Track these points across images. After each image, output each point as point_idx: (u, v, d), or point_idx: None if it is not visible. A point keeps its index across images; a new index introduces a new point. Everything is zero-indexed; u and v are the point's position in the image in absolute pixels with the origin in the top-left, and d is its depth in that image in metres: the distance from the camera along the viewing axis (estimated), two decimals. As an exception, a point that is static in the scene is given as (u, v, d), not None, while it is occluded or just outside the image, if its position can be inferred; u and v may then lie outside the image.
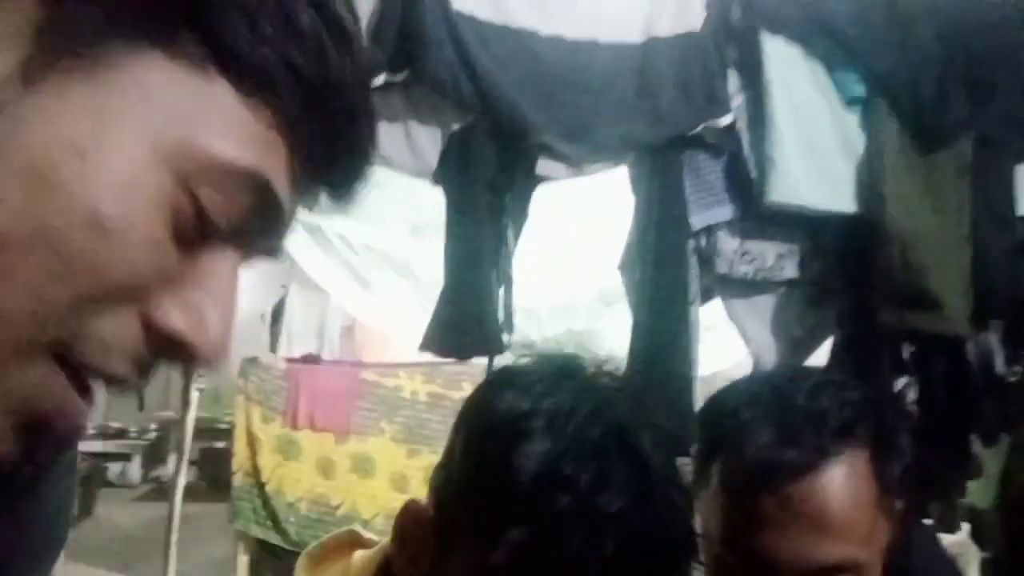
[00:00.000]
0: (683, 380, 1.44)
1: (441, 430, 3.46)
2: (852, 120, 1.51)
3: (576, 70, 1.39)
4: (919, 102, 1.48)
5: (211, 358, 0.29)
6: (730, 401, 0.69)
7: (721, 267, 1.49)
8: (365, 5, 1.36)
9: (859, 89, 1.51)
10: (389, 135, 1.40)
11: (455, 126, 1.41)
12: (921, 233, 1.46)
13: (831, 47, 1.49)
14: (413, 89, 1.40)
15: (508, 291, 1.38)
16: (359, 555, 0.73)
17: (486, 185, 1.39)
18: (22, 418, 0.27)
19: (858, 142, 1.50)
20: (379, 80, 1.37)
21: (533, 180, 1.42)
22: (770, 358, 1.54)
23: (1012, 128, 1.51)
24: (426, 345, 1.39)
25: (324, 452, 3.31)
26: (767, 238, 1.52)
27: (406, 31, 1.36)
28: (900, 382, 1.46)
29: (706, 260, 1.49)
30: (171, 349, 0.29)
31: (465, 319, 1.34)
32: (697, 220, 1.47)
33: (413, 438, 3.37)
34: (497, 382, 0.56)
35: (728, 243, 1.50)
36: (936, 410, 1.45)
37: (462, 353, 1.42)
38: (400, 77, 1.38)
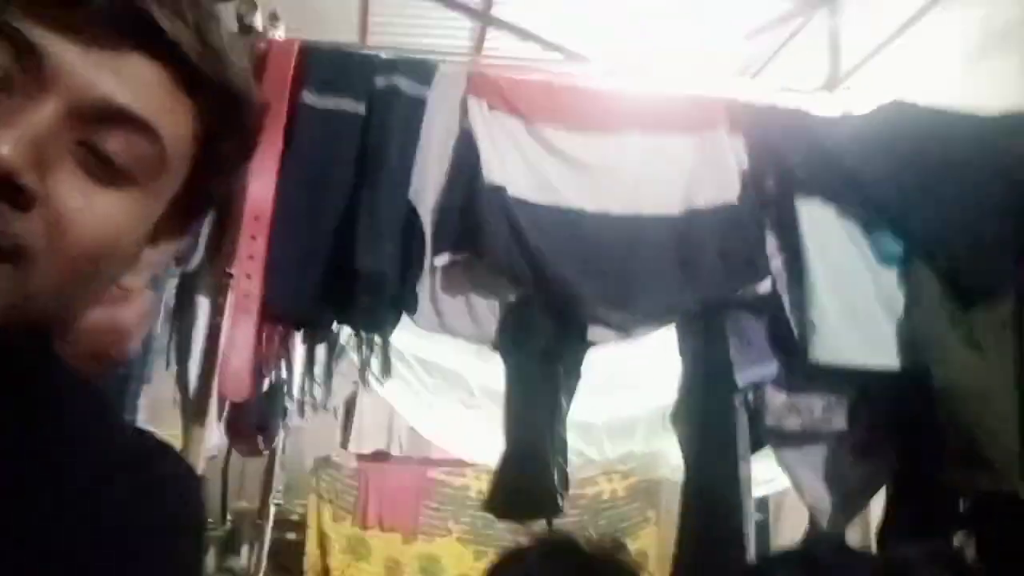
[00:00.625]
0: (736, 535, 1.49)
1: (507, 531, 3.51)
2: (890, 277, 1.57)
3: (621, 243, 1.51)
4: (954, 260, 1.54)
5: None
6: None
7: (770, 420, 1.56)
8: (430, 197, 1.52)
9: (895, 248, 1.57)
10: (452, 307, 1.54)
11: (511, 298, 1.54)
12: (967, 388, 1.49)
13: (865, 208, 1.57)
14: (474, 266, 1.53)
15: (563, 455, 1.48)
16: None
17: (541, 354, 1.50)
18: None
19: (897, 299, 1.56)
20: (444, 260, 1.52)
21: (584, 346, 1.53)
22: (825, 508, 1.58)
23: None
24: (489, 508, 1.48)
25: (392, 553, 3.40)
26: (814, 391, 1.58)
27: (467, 217, 1.51)
28: (958, 536, 1.48)
29: (755, 415, 1.56)
30: None
31: (524, 484, 1.44)
32: (742, 378, 1.54)
33: (480, 539, 3.43)
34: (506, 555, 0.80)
35: (776, 397, 1.57)
36: (996, 563, 1.46)
37: (522, 518, 1.52)
38: (461, 257, 1.52)
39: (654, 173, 1.58)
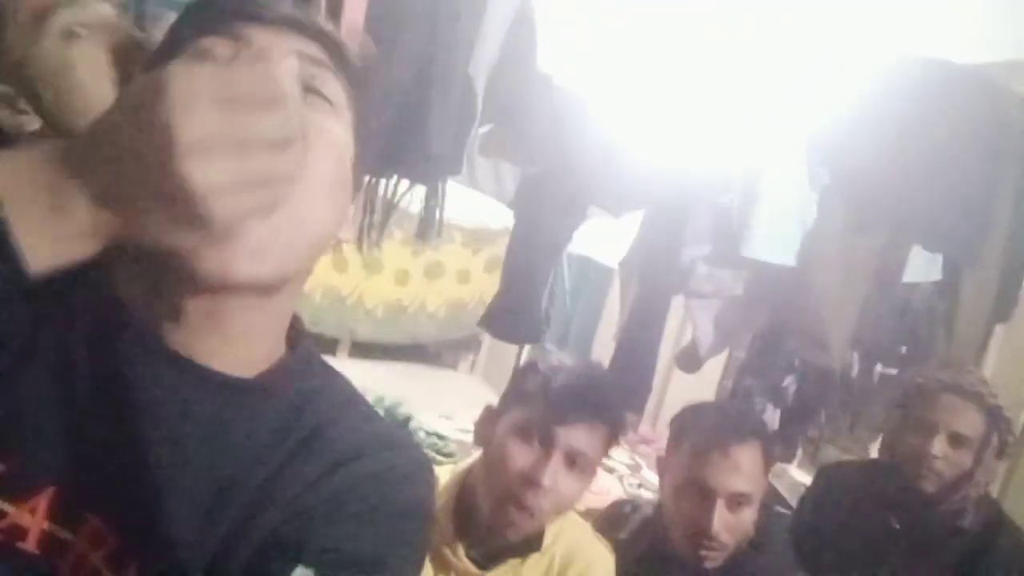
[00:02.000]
0: (652, 351, 2.14)
1: (444, 234, 4.05)
2: (812, 199, 2.05)
3: (627, 154, 1.86)
4: (860, 197, 2.03)
5: None
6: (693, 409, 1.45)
7: (692, 285, 2.12)
8: (484, 72, 1.74)
9: (825, 178, 2.03)
10: (483, 167, 1.87)
11: (533, 169, 1.89)
12: (831, 290, 2.10)
13: (815, 148, 1.98)
14: (508, 136, 1.84)
15: (551, 299, 1.98)
16: (445, 470, 1.36)
17: (548, 216, 1.91)
18: None
19: (810, 216, 2.06)
20: (486, 129, 1.80)
21: (582, 217, 1.95)
22: (707, 342, 2.24)
23: (918, 220, 2.09)
24: (482, 324, 2.00)
25: (338, 252, 3.89)
26: (729, 267, 2.13)
27: (513, 97, 1.77)
28: (788, 379, 2.21)
29: (683, 278, 2.11)
30: None
31: (514, 311, 1.95)
32: (685, 252, 2.06)
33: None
34: None
35: (702, 269, 2.11)
36: (804, 397, 2.23)
37: (511, 339, 2.05)
38: (500, 127, 1.82)
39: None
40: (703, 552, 1.30)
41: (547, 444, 1.13)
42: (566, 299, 3.16)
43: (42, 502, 0.51)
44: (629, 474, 3.28)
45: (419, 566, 0.60)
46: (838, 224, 2.07)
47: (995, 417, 1.63)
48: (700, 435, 1.34)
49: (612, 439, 1.20)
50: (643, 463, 3.33)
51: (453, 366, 4.48)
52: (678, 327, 2.55)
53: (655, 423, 3.27)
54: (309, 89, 0.56)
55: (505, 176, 1.93)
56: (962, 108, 2.04)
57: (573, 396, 1.14)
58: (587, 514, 1.48)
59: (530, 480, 1.11)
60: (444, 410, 3.09)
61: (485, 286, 4.13)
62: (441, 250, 4.06)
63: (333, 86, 0.58)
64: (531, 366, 1.24)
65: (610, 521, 1.56)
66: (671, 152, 1.87)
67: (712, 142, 1.87)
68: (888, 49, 1.98)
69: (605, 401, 1.18)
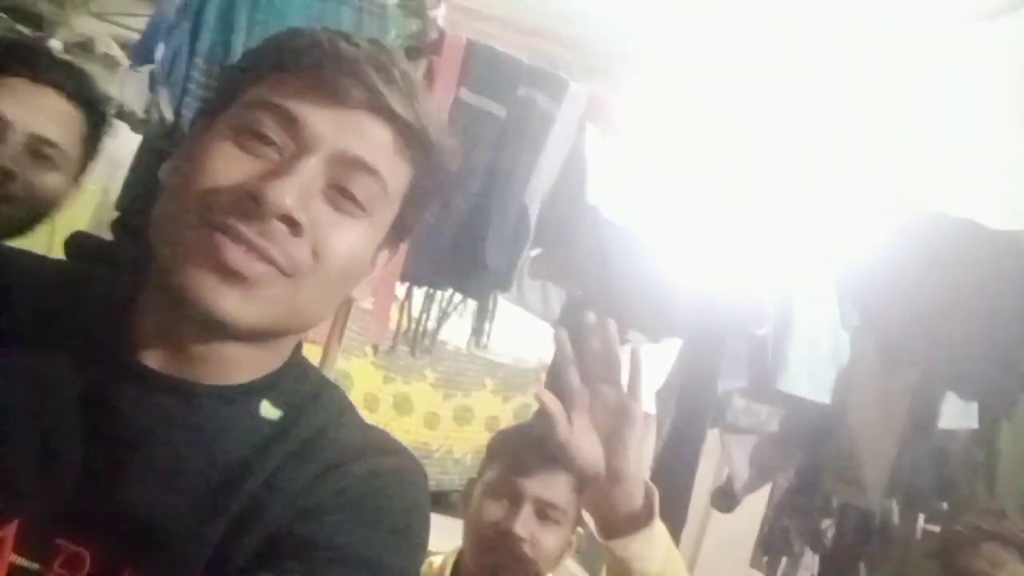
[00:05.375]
0: (686, 487, 2.13)
1: (475, 379, 4.05)
2: (845, 339, 2.13)
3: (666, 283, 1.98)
4: (891, 340, 2.10)
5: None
6: None
7: (729, 418, 2.15)
8: (538, 201, 1.91)
9: (856, 319, 2.12)
10: (531, 287, 2.00)
11: (578, 292, 2.01)
12: (867, 430, 2.11)
13: (845, 287, 2.09)
14: (557, 261, 1.98)
15: None
16: (439, 557, 1.35)
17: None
18: None
19: (844, 356, 2.13)
20: (537, 252, 1.95)
21: (622, 340, 2.03)
22: (743, 478, 2.23)
23: (950, 367, 2.14)
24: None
25: (372, 390, 3.91)
26: (765, 402, 2.17)
27: (563, 225, 1.92)
28: (827, 522, 2.17)
29: (720, 412, 2.15)
30: None
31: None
32: (721, 384, 2.11)
33: (450, 384, 4.01)
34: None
35: (738, 402, 2.16)
36: (843, 541, 2.18)
37: None
38: (550, 252, 1.96)
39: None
40: None
41: (515, 499, 1.16)
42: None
43: (7, 536, 0.52)
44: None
45: (417, 567, 0.61)
46: (870, 364, 2.12)
47: None
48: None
49: (581, 485, 1.17)
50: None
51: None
52: (714, 467, 2.53)
53: (693, 568, 3.13)
54: (334, 193, 0.58)
55: (552, 298, 2.04)
56: (990, 266, 2.16)
57: (532, 447, 1.16)
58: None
59: (503, 532, 1.15)
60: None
61: (511, 434, 4.13)
62: (472, 396, 4.11)
63: (368, 187, 0.59)
64: (501, 431, 1.30)
65: None
66: (709, 281, 1.98)
67: (748, 274, 1.98)
68: (918, 204, 2.13)
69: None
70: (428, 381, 4.04)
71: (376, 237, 0.61)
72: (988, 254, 2.13)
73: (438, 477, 4.17)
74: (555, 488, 1.17)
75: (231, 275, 0.53)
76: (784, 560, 2.20)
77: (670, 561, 0.99)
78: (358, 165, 0.57)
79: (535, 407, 1.03)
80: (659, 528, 0.99)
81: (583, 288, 2.00)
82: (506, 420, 4.24)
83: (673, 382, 2.19)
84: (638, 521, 0.97)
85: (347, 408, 0.67)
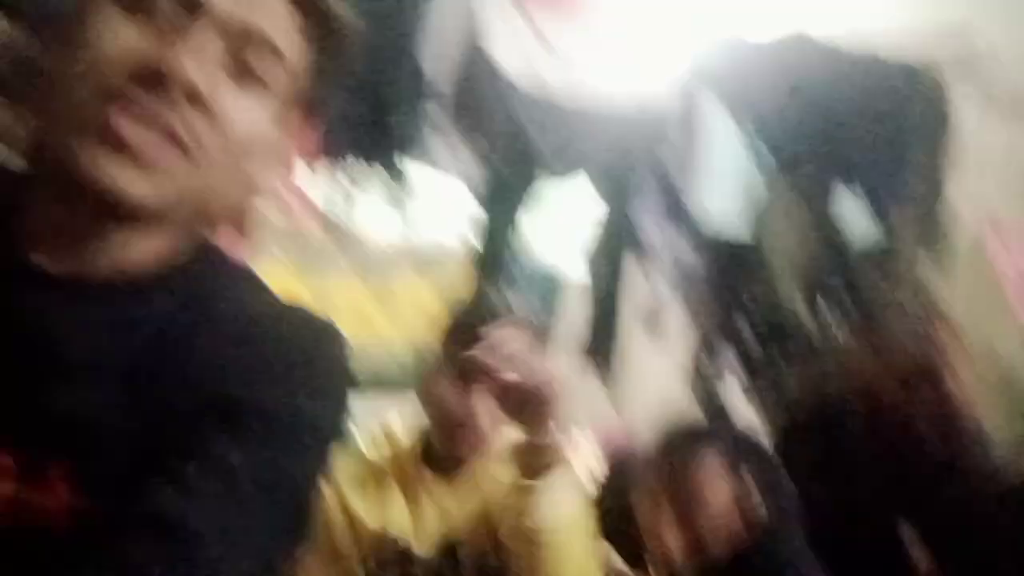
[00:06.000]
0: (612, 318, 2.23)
1: None
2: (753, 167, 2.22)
3: (572, 124, 2.00)
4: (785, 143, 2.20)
5: None
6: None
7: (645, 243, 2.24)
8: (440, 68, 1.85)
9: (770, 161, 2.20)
10: (437, 146, 1.97)
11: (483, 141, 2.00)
12: (775, 235, 2.24)
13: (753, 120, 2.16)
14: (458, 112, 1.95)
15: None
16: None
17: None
18: None
19: (750, 171, 2.22)
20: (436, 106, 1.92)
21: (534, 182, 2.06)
22: (666, 300, 2.34)
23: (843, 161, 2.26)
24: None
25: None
26: (677, 222, 2.26)
27: (467, 91, 1.89)
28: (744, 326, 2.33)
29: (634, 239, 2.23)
30: None
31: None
32: (633, 214, 2.18)
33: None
34: None
35: (651, 226, 2.23)
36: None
37: None
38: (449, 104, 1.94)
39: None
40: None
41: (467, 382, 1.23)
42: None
43: None
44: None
45: (341, 417, 0.61)
46: (773, 177, 2.23)
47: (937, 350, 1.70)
48: (662, 454, 1.44)
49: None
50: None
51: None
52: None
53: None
54: (232, 64, 0.56)
55: (461, 152, 2.02)
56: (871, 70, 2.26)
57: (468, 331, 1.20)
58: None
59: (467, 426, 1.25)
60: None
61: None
62: (396, 283, 4.08)
63: (266, 60, 0.57)
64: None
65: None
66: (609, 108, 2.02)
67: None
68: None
69: None
70: (346, 273, 3.97)
71: (276, 114, 0.59)
72: (871, 66, 2.25)
73: (375, 372, 4.20)
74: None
75: (127, 149, 0.51)
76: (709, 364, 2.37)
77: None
78: (254, 37, 0.55)
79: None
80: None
81: (488, 137, 1.99)
82: (436, 305, 4.26)
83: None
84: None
85: (256, 285, 0.65)
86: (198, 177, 0.54)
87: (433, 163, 1.97)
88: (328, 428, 0.60)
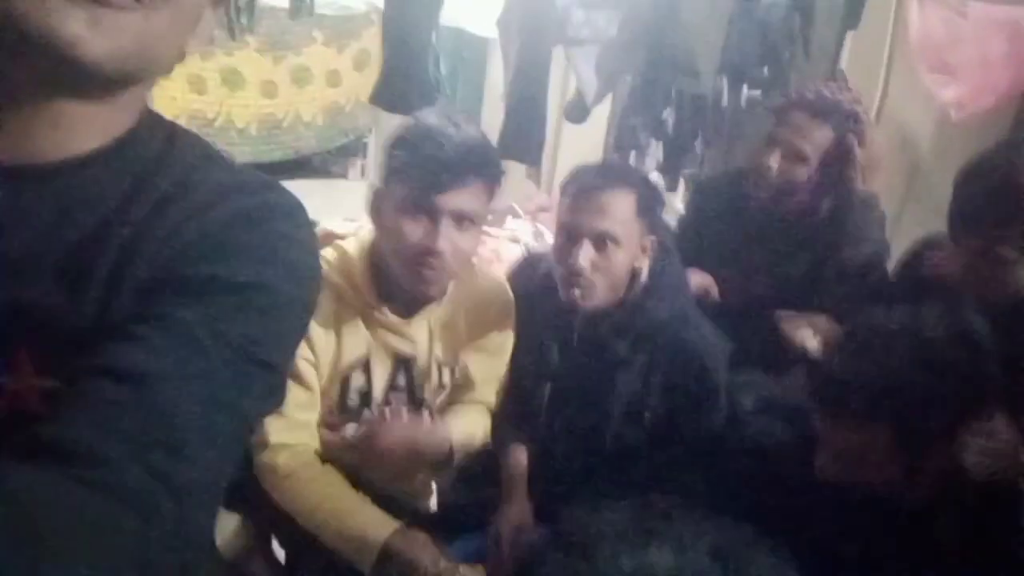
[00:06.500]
0: (540, 105, 2.21)
1: (303, 34, 3.80)
2: None
3: None
4: None
5: None
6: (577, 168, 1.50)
7: (570, 32, 2.15)
8: None
9: None
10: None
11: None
12: (697, 18, 2.18)
13: None
14: None
15: (436, 63, 1.97)
16: (351, 242, 1.43)
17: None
18: None
19: None
20: None
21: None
22: (591, 88, 2.32)
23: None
24: (375, 100, 1.98)
25: (193, 70, 3.60)
26: (602, 8, 2.17)
27: None
28: (667, 111, 2.35)
29: (560, 28, 2.14)
30: None
31: (407, 80, 1.94)
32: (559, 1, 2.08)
33: (277, 46, 3.74)
34: None
35: (577, 14, 2.14)
36: (682, 126, 2.39)
37: (405, 108, 2.04)
38: None
39: None
40: (574, 291, 1.37)
41: (432, 214, 1.18)
42: (446, 77, 3.13)
43: None
44: (533, 243, 3.47)
45: (305, 295, 0.62)
46: None
47: (844, 122, 1.74)
48: (575, 185, 1.40)
49: (492, 190, 1.25)
50: (545, 230, 3.51)
51: (343, 175, 4.41)
52: (561, 82, 2.61)
53: (551, 190, 3.43)
54: None
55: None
56: None
57: (445, 164, 1.16)
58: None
59: (427, 249, 1.18)
60: (346, 215, 3.12)
61: (357, 84, 4.00)
62: (304, 53, 3.85)
63: None
64: (399, 140, 1.23)
65: (517, 274, 1.63)
66: None
67: None
68: None
69: (479, 161, 1.20)
70: (252, 48, 3.71)
71: None
72: None
73: (293, 144, 4.10)
74: (467, 198, 1.19)
75: None
76: (633, 153, 2.41)
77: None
78: None
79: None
80: None
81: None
82: (347, 72, 4.07)
83: (512, 7, 2.13)
84: None
85: (208, 154, 0.64)
86: (147, 31, 0.53)
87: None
88: (294, 297, 0.60)
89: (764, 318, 1.67)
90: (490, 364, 1.42)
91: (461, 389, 1.41)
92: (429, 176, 1.16)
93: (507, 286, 1.45)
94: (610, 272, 1.37)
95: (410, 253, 1.20)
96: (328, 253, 1.27)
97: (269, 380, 0.59)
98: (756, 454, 1.37)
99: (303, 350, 1.20)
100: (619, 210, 1.35)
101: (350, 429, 1.29)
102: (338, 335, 1.25)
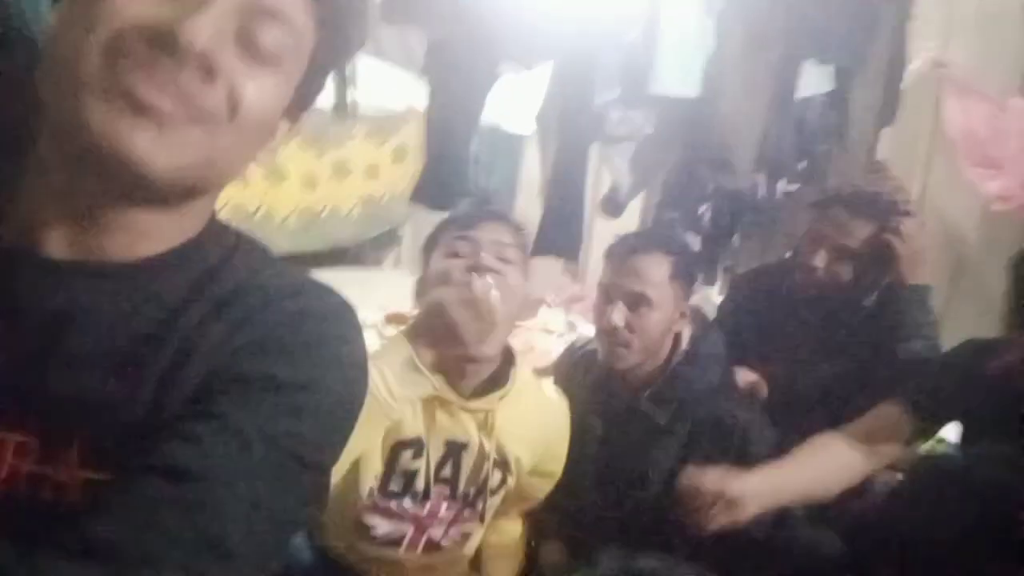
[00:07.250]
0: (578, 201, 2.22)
1: (344, 130, 3.92)
2: (711, 27, 2.12)
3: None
4: (754, 20, 2.12)
5: None
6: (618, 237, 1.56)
7: (607, 130, 2.19)
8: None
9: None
10: (388, 36, 1.85)
11: (439, 32, 1.88)
12: (734, 115, 2.21)
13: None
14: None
15: (476, 163, 2.01)
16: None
17: (461, 77, 1.92)
18: None
19: (711, 44, 2.14)
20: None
21: (493, 76, 1.97)
22: (626, 184, 2.34)
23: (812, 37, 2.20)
24: (416, 198, 2.02)
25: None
26: (639, 107, 2.20)
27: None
28: (703, 207, 2.35)
29: (598, 125, 2.17)
30: None
31: (447, 179, 1.98)
32: (596, 99, 2.11)
33: (319, 142, 3.86)
34: None
35: (614, 113, 2.18)
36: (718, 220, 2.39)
37: (445, 206, 2.07)
38: None
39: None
40: (613, 348, 1.43)
41: (472, 245, 1.21)
42: (481, 173, 3.20)
43: None
44: (567, 333, 3.44)
45: (353, 391, 0.63)
46: (737, 48, 2.16)
47: (884, 214, 1.74)
48: (616, 250, 1.50)
49: (521, 236, 1.29)
50: (578, 321, 3.49)
51: (378, 264, 4.47)
52: (595, 176, 2.64)
53: (584, 281, 3.42)
54: (245, 39, 0.55)
55: (412, 43, 1.90)
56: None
57: (474, 206, 1.24)
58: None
59: (466, 301, 1.17)
60: (380, 303, 3.14)
61: (395, 178, 4.08)
62: (345, 147, 3.96)
63: (280, 39, 0.56)
64: (437, 227, 1.31)
65: (559, 363, 1.67)
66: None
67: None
68: None
69: (502, 210, 1.28)
70: (295, 144, 3.82)
71: (285, 96, 0.60)
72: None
73: (330, 236, 4.17)
74: (502, 231, 1.25)
75: (144, 110, 0.51)
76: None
77: None
78: (271, 12, 0.55)
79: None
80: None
81: (443, 28, 1.87)
82: (386, 166, 4.17)
83: (550, 105, 2.18)
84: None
85: (267, 260, 0.66)
86: (211, 147, 0.55)
87: (384, 55, 1.86)
88: (343, 397, 0.61)
89: (811, 417, 1.63)
90: (541, 486, 1.41)
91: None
92: (463, 218, 1.26)
93: (566, 405, 1.41)
94: (645, 333, 1.43)
95: (455, 286, 1.18)
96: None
97: (315, 481, 0.60)
98: (802, 561, 1.36)
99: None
100: (654, 273, 1.44)
101: (382, 527, 1.23)
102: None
